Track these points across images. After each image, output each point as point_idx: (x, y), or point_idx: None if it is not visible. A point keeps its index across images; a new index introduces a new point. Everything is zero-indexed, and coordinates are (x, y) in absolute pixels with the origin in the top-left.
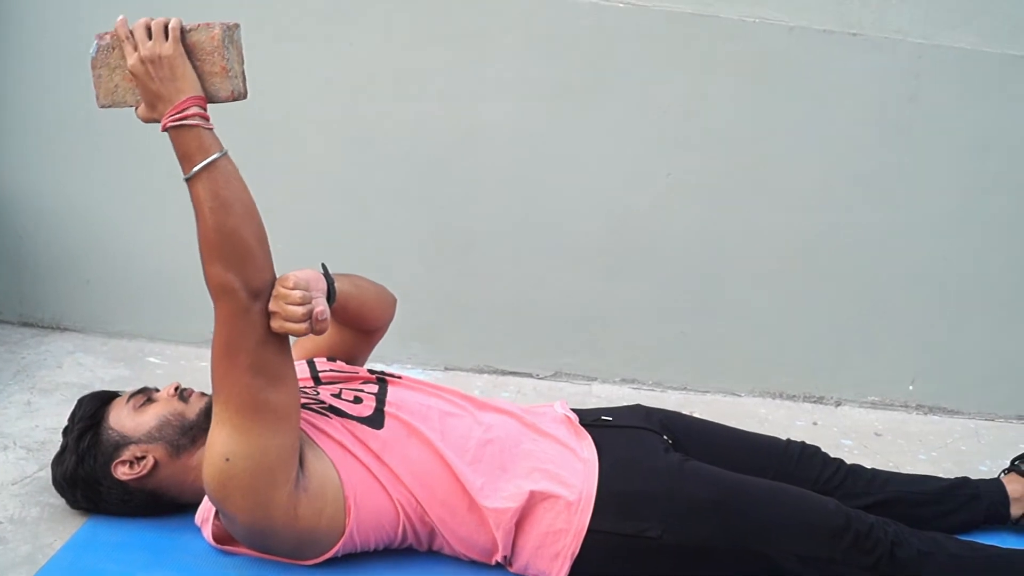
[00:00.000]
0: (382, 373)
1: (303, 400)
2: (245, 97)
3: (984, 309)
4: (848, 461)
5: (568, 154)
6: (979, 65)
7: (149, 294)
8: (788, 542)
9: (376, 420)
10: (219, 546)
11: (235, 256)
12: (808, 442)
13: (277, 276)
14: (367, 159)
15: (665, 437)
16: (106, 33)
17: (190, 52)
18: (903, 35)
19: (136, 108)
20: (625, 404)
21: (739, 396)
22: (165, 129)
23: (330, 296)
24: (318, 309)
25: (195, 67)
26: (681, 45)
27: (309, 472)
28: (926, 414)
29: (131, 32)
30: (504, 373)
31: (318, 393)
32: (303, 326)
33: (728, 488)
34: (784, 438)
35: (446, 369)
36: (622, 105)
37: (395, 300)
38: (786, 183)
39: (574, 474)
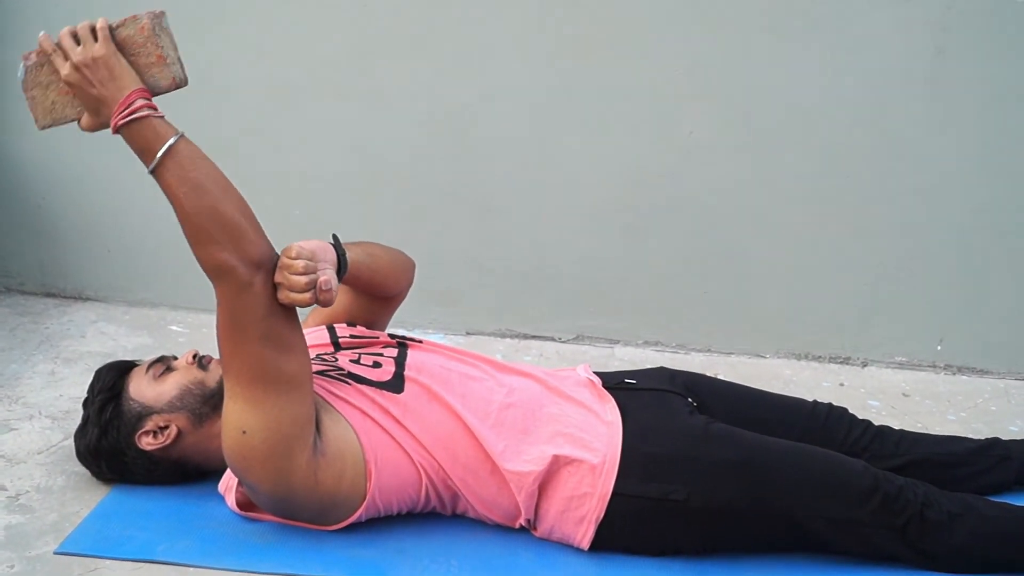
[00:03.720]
0: (403, 338)
1: (321, 367)
2: (186, 83)
3: (1013, 267)
4: (876, 423)
5: (587, 113)
6: (1009, 16)
7: (170, 262)
8: (815, 504)
9: (396, 384)
10: (243, 513)
11: (224, 233)
12: (835, 403)
13: (279, 249)
14: (383, 120)
15: (690, 400)
16: (31, 52)
17: (122, 48)
18: None
19: (79, 120)
20: (649, 367)
21: (764, 357)
22: (116, 130)
23: (341, 267)
24: (322, 279)
25: (130, 63)
26: None
27: (326, 436)
28: (955, 374)
29: (58, 43)
30: (526, 337)
31: (336, 360)
32: (307, 296)
33: (754, 450)
34: (810, 399)
35: (468, 333)
36: (642, 62)
37: (413, 265)
38: (810, 139)
39: (598, 438)
